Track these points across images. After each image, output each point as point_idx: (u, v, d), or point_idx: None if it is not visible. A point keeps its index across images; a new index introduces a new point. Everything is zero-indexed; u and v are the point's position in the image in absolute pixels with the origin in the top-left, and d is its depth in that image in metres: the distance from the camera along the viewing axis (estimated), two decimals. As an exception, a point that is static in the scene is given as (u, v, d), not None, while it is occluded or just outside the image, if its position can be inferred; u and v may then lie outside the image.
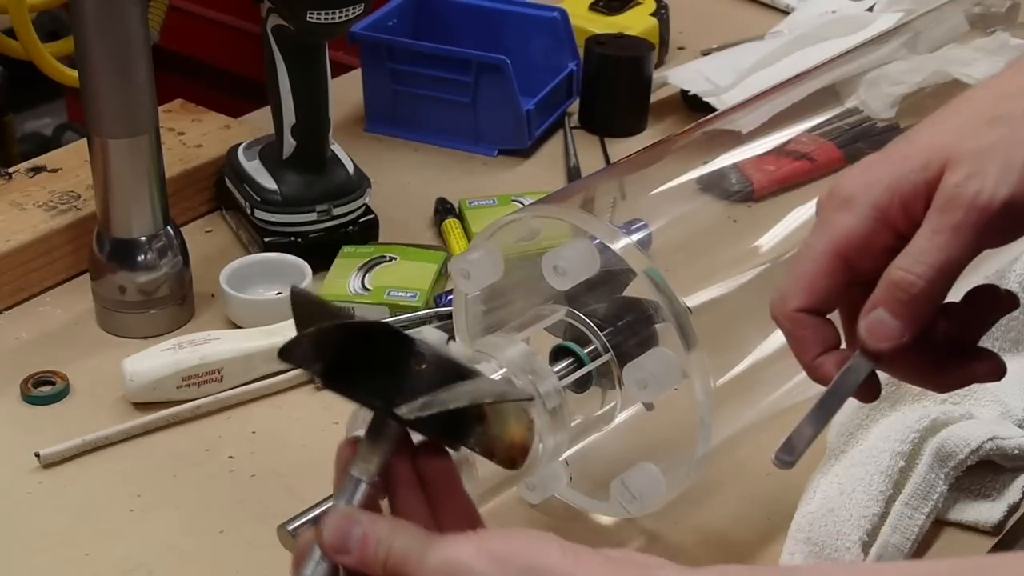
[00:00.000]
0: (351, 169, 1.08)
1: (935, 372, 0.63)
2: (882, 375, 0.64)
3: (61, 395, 0.93)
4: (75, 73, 0.99)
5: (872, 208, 0.58)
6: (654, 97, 1.32)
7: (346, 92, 1.29)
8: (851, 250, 0.59)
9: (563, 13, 1.31)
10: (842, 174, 0.60)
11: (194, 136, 1.16)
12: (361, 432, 0.61)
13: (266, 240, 1.06)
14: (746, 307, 0.81)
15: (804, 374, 0.67)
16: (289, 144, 1.05)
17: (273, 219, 1.05)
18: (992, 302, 0.63)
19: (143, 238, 0.98)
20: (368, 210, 1.09)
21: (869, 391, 0.62)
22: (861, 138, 0.99)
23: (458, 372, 0.59)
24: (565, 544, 0.53)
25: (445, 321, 0.97)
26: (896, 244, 0.58)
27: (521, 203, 1.12)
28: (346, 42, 1.26)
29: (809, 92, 0.99)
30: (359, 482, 0.59)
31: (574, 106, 1.32)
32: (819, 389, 0.68)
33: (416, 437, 0.61)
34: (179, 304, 1.00)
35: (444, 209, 1.14)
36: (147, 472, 0.87)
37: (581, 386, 0.79)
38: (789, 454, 0.61)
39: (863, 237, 0.58)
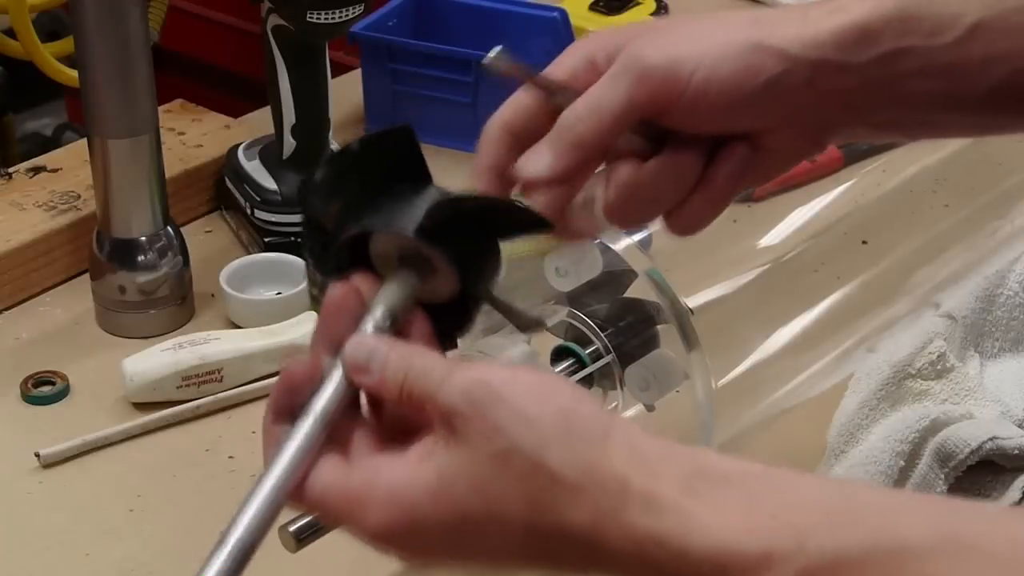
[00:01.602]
0: (351, 169, 1.08)
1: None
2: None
3: (61, 395, 0.93)
4: (75, 73, 0.99)
5: (585, 50, 0.62)
6: (654, 97, 1.32)
7: (346, 92, 1.29)
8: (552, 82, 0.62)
9: (563, 13, 1.31)
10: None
11: (194, 136, 1.16)
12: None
13: (266, 240, 1.06)
14: (747, 308, 0.81)
15: (805, 374, 0.67)
16: (289, 144, 1.05)
17: (273, 219, 1.05)
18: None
19: (143, 238, 0.98)
20: (368, 210, 1.09)
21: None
22: (861, 138, 0.99)
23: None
24: (606, 411, 0.52)
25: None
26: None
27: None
28: (346, 42, 1.26)
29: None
30: (380, 317, 0.56)
31: (574, 106, 1.31)
32: (820, 389, 0.68)
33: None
34: (179, 304, 1.00)
35: (444, 209, 1.14)
36: (147, 472, 0.87)
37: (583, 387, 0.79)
38: None
39: (573, 71, 0.62)
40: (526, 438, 0.50)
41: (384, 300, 0.57)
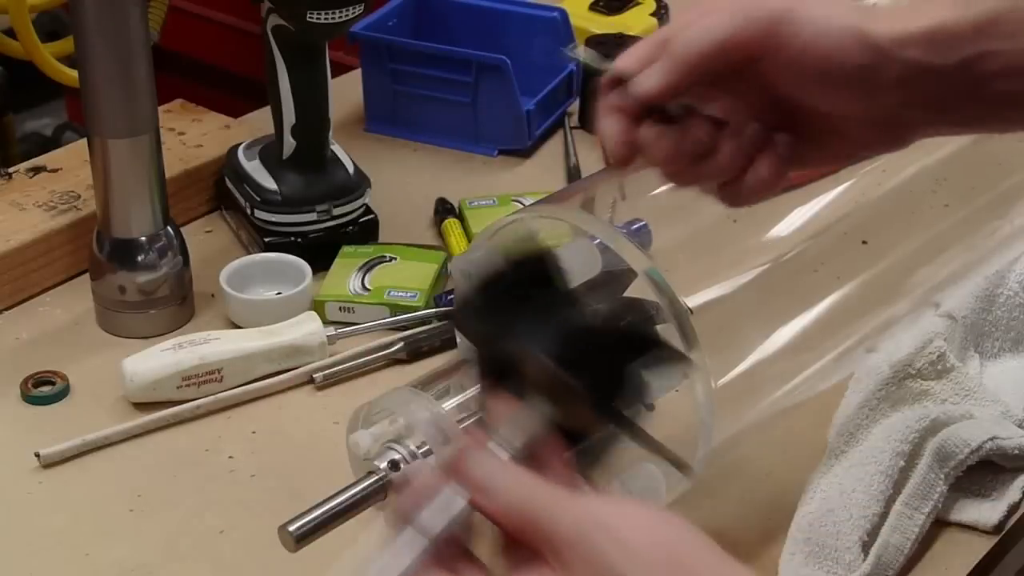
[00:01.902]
0: (351, 169, 1.08)
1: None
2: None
3: (61, 395, 0.93)
4: (75, 73, 0.99)
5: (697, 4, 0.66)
6: (654, 97, 1.32)
7: (346, 92, 1.29)
8: (671, 30, 0.66)
9: (563, 13, 1.31)
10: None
11: (194, 136, 1.16)
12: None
13: (266, 240, 1.06)
14: (747, 307, 0.81)
15: (805, 375, 0.67)
16: (289, 144, 1.05)
17: (273, 219, 1.05)
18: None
19: (143, 238, 0.98)
20: (368, 210, 1.09)
21: None
22: (861, 138, 0.99)
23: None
24: (715, 547, 0.52)
25: (445, 321, 0.97)
26: None
27: (521, 203, 1.12)
28: (346, 42, 1.26)
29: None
30: (509, 438, 0.56)
31: (574, 106, 1.31)
32: (820, 389, 0.68)
33: None
34: (179, 304, 1.00)
35: (444, 209, 1.14)
36: (147, 472, 0.87)
37: (582, 386, 0.78)
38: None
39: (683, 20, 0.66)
40: (633, 573, 0.50)
41: (517, 422, 0.57)
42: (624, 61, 0.67)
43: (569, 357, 0.56)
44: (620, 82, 0.66)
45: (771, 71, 0.64)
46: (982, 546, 0.82)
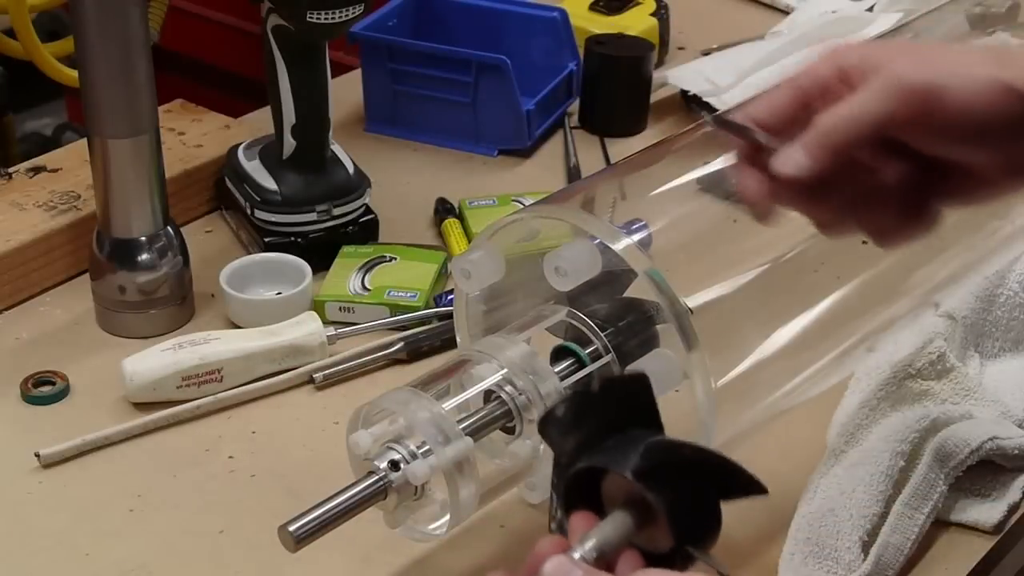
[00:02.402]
0: (351, 169, 1.08)
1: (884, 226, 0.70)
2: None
3: (61, 395, 0.93)
4: (75, 73, 0.99)
5: (841, 62, 0.67)
6: (654, 97, 1.32)
7: (346, 92, 1.29)
8: (812, 88, 0.67)
9: (563, 13, 1.31)
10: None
11: (194, 136, 1.16)
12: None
13: (266, 240, 1.06)
14: (747, 308, 0.81)
15: (805, 375, 0.67)
16: (289, 144, 1.05)
17: (273, 219, 1.05)
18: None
19: (143, 238, 0.98)
20: (368, 210, 1.09)
21: None
22: (861, 138, 0.99)
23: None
24: None
25: (445, 321, 0.97)
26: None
27: (521, 203, 1.12)
28: (346, 42, 1.26)
29: (809, 92, 0.99)
30: (587, 548, 0.58)
31: (574, 106, 1.32)
32: (820, 389, 0.68)
33: None
34: (179, 304, 1.00)
35: (444, 209, 1.14)
36: (147, 472, 0.87)
37: (582, 387, 0.79)
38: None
39: (824, 81, 0.67)
40: None
41: (596, 535, 0.59)
42: (766, 107, 0.67)
43: (654, 481, 0.58)
44: (759, 144, 0.67)
45: (920, 135, 0.65)
46: (982, 546, 0.82)
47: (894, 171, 0.67)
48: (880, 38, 0.69)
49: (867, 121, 0.64)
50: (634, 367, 0.74)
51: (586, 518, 0.60)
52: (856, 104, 0.65)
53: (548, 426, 0.61)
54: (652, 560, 0.59)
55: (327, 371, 0.95)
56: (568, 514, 0.61)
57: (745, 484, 0.60)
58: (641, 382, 0.61)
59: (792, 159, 0.65)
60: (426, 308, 1.00)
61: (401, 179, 1.20)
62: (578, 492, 0.61)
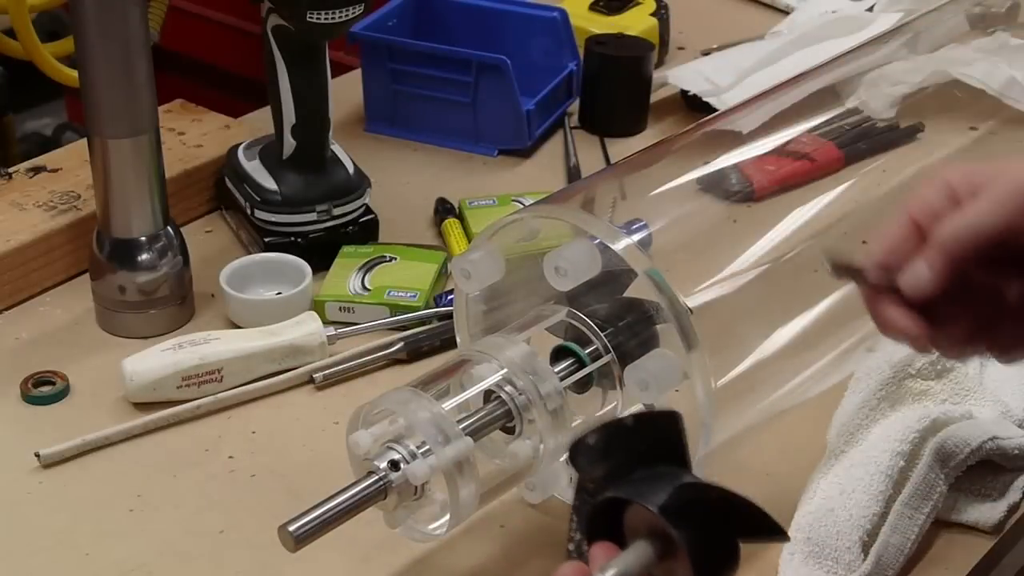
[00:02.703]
0: (351, 169, 1.08)
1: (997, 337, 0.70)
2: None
3: (61, 395, 0.93)
4: (75, 73, 0.99)
5: (945, 183, 0.67)
6: (654, 97, 1.32)
7: (346, 92, 1.29)
8: (921, 214, 0.67)
9: (563, 13, 1.31)
10: None
11: (194, 136, 1.16)
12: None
13: (266, 240, 1.06)
14: (747, 307, 0.81)
15: (805, 375, 0.67)
16: (289, 144, 1.05)
17: (273, 219, 1.05)
18: None
19: (143, 238, 0.98)
20: (368, 210, 1.09)
21: None
22: (861, 138, 0.99)
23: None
24: None
25: (445, 321, 0.97)
26: None
27: (521, 203, 1.12)
28: (346, 42, 1.26)
29: (809, 92, 0.99)
30: None
31: (574, 106, 1.32)
32: (820, 389, 0.68)
33: None
34: (179, 304, 1.00)
35: (444, 209, 1.14)
36: (147, 472, 0.87)
37: (582, 387, 0.79)
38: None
39: (931, 205, 0.67)
40: None
41: (617, 565, 0.60)
42: (884, 246, 0.68)
43: (679, 518, 0.59)
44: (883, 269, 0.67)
45: None
46: (982, 546, 0.82)
47: (1018, 288, 0.67)
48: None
49: (985, 230, 0.65)
50: (634, 367, 0.74)
51: (606, 549, 0.61)
52: (972, 213, 0.65)
53: (578, 454, 0.62)
54: None
55: (327, 371, 0.95)
56: (590, 541, 0.62)
57: (768, 528, 0.60)
58: (674, 420, 0.62)
59: (915, 274, 0.66)
60: (426, 308, 1.00)
61: (401, 179, 1.20)
62: (601, 519, 0.62)
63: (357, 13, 1.00)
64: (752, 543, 0.61)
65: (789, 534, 0.78)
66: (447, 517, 0.73)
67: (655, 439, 0.62)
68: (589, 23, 1.38)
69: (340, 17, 0.98)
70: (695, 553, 0.59)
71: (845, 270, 0.69)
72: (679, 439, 0.62)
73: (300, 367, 0.95)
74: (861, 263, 0.69)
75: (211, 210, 1.14)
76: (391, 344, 0.97)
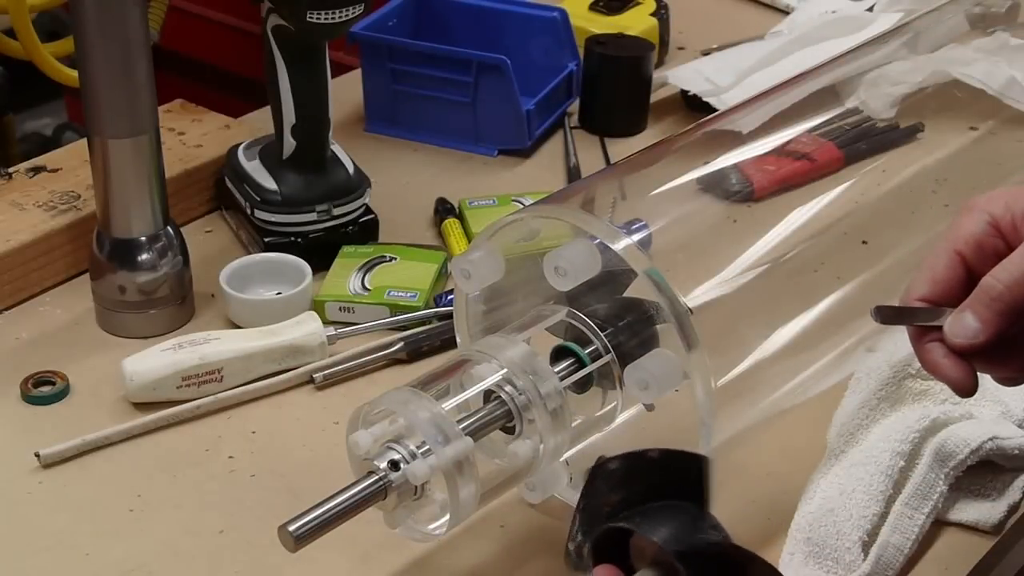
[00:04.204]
0: (351, 169, 1.08)
1: None
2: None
3: (61, 395, 0.93)
4: (75, 73, 0.99)
5: (988, 215, 0.67)
6: (654, 97, 1.32)
7: (346, 92, 1.29)
8: (966, 248, 0.67)
9: (563, 13, 1.31)
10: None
11: (194, 136, 1.16)
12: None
13: (266, 240, 1.06)
14: (747, 307, 0.81)
15: (805, 375, 0.67)
16: (289, 144, 1.05)
17: (273, 219, 1.05)
18: None
19: (143, 238, 0.98)
20: (368, 210, 1.09)
21: None
22: (861, 138, 0.99)
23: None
24: None
25: (445, 321, 0.97)
26: (1007, 253, 0.66)
27: (521, 203, 1.12)
28: (346, 42, 1.26)
29: (809, 92, 0.99)
30: None
31: (574, 106, 1.32)
32: (820, 389, 0.67)
33: None
34: (179, 304, 1.00)
35: (444, 209, 1.14)
36: (147, 472, 0.87)
37: (582, 387, 0.79)
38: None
39: (977, 238, 0.67)
40: None
41: None
42: (929, 282, 0.67)
43: (686, 558, 0.59)
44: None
45: None
46: (982, 546, 0.82)
47: None
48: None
49: None
50: (634, 367, 0.74)
51: (609, 572, 0.61)
52: (1019, 260, 0.64)
53: (597, 477, 0.62)
54: None
55: (327, 371, 0.95)
56: (596, 562, 0.62)
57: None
58: (701, 464, 0.62)
59: (965, 328, 0.65)
60: (426, 308, 1.00)
61: (401, 179, 1.21)
62: (607, 541, 0.63)
63: (357, 13, 1.00)
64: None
65: (789, 533, 0.79)
66: (447, 517, 0.73)
67: (678, 477, 0.62)
68: (589, 23, 1.38)
69: (340, 17, 0.98)
70: (667, 541, 0.59)
71: (891, 315, 0.68)
72: (701, 482, 0.62)
73: (300, 367, 0.95)
74: (907, 302, 0.68)
75: (211, 210, 1.14)
76: (391, 344, 0.97)
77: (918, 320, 0.67)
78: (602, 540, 0.63)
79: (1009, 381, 0.70)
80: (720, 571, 0.60)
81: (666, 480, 0.62)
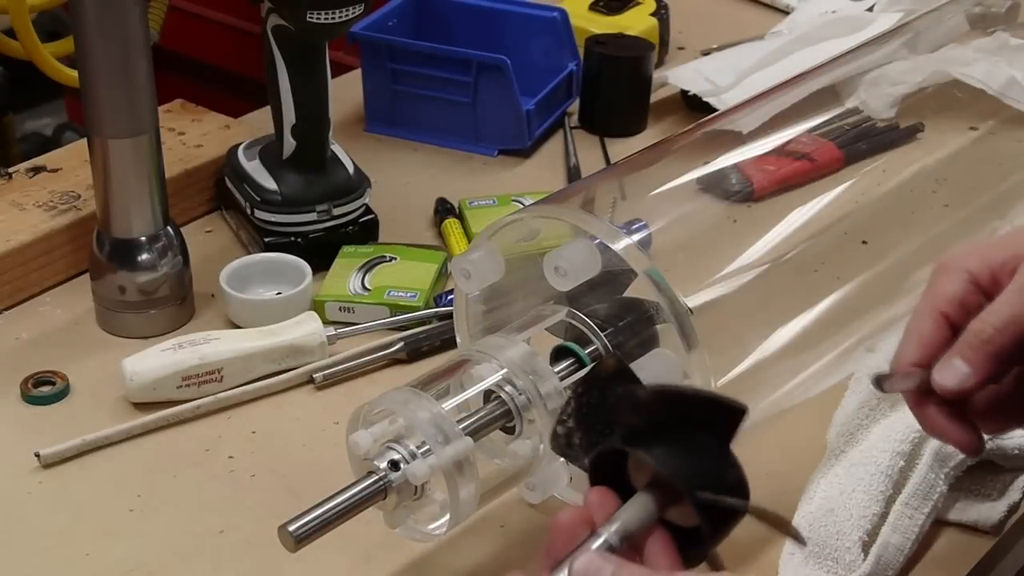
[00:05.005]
0: (351, 169, 1.08)
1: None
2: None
3: (61, 395, 0.93)
4: (75, 73, 0.99)
5: (966, 272, 0.67)
6: (654, 97, 1.32)
7: (346, 92, 1.29)
8: (950, 308, 0.66)
9: (563, 13, 1.31)
10: (950, 249, 0.69)
11: (194, 136, 1.16)
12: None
13: (266, 240, 1.06)
14: (747, 307, 0.81)
15: (805, 375, 0.67)
16: (289, 144, 1.05)
17: (273, 219, 1.05)
18: None
19: (143, 238, 0.98)
20: (368, 210, 1.09)
21: None
22: (861, 138, 0.99)
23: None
24: None
25: (445, 321, 0.97)
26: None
27: (521, 203, 1.12)
28: (346, 42, 1.26)
29: (809, 92, 0.99)
30: (612, 532, 0.59)
31: (574, 106, 1.32)
32: (820, 389, 0.67)
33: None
34: (179, 304, 1.00)
35: (444, 209, 1.14)
36: (147, 472, 0.87)
37: (582, 386, 0.78)
38: None
39: (959, 297, 0.66)
40: None
41: (620, 518, 0.59)
42: (917, 345, 0.66)
43: (644, 441, 0.59)
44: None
45: None
46: (982, 546, 0.82)
47: None
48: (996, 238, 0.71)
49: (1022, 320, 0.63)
50: (634, 367, 0.74)
51: (603, 494, 0.60)
52: (1010, 307, 0.64)
53: (628, 396, 0.61)
54: (686, 536, 0.60)
55: (327, 371, 0.95)
56: (593, 484, 0.62)
57: (729, 413, 0.60)
58: (735, 412, 0.61)
59: (954, 372, 0.64)
60: (426, 308, 1.00)
61: (401, 179, 1.21)
62: (606, 466, 0.62)
63: (357, 13, 1.00)
64: (730, 438, 0.61)
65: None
66: (447, 517, 0.73)
67: (706, 420, 0.61)
68: (589, 23, 1.38)
69: (340, 17, 0.99)
70: (674, 470, 0.59)
71: (892, 382, 0.67)
72: (730, 429, 0.61)
73: (300, 367, 0.95)
74: (901, 368, 0.67)
75: (211, 210, 1.14)
76: (391, 344, 0.97)
77: (919, 384, 0.66)
78: (599, 465, 0.62)
79: (997, 430, 0.70)
80: (681, 436, 0.59)
81: (696, 417, 0.60)
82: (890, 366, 0.68)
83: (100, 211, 0.98)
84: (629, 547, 0.59)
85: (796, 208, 0.88)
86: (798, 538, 0.62)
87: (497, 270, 0.80)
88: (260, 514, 0.83)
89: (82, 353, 0.97)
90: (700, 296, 0.76)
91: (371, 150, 1.23)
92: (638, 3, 1.42)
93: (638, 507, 0.60)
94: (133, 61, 0.92)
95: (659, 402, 0.61)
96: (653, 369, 0.73)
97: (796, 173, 0.92)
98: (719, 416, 0.60)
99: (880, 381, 0.68)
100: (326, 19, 0.98)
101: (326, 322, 0.98)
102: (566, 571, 0.58)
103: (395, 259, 1.05)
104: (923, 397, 0.67)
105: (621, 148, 1.26)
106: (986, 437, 0.68)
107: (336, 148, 1.08)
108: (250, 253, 1.07)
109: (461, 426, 0.73)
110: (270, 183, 1.06)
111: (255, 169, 1.07)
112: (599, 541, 0.59)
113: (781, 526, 0.60)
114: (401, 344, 0.97)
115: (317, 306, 1.00)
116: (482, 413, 0.75)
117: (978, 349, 0.64)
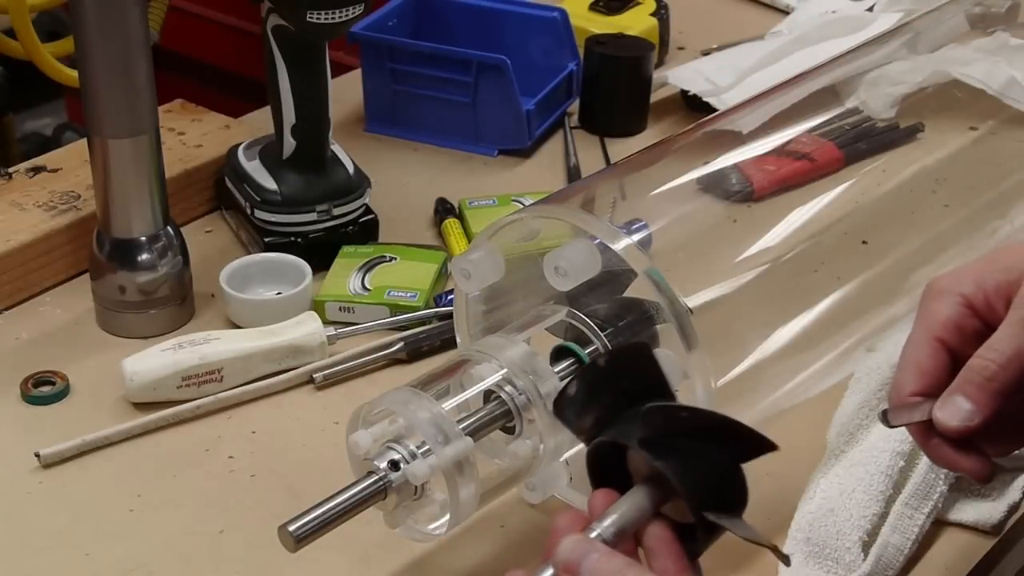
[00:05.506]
0: (351, 169, 1.08)
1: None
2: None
3: (61, 395, 0.93)
4: (75, 73, 0.99)
5: (960, 296, 0.66)
6: (654, 97, 1.32)
7: (346, 92, 1.29)
8: (946, 334, 0.66)
9: (563, 13, 1.31)
10: (941, 273, 0.68)
11: (194, 136, 1.16)
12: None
13: (266, 240, 1.06)
14: (747, 307, 0.81)
15: (805, 375, 0.67)
16: (289, 144, 1.05)
17: (273, 219, 1.05)
18: None
19: (143, 238, 0.98)
20: (368, 210, 1.09)
21: None
22: (861, 138, 0.99)
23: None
24: None
25: (445, 321, 0.97)
26: (986, 331, 0.65)
27: (521, 203, 1.12)
28: (346, 42, 1.26)
29: (809, 92, 0.99)
30: (606, 525, 0.59)
31: (574, 106, 1.32)
32: (820, 389, 0.67)
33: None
34: (179, 304, 1.00)
35: (444, 209, 1.14)
36: (147, 472, 0.87)
37: (582, 386, 0.78)
38: None
39: (954, 322, 0.66)
40: None
41: (615, 512, 0.59)
42: (918, 375, 0.65)
43: (659, 448, 0.59)
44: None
45: None
46: (982, 546, 0.82)
47: None
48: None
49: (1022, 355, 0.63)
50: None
51: (605, 495, 0.60)
52: (1010, 340, 0.63)
53: (563, 407, 0.61)
54: (683, 531, 0.60)
55: (327, 371, 0.95)
56: (595, 487, 0.62)
57: (755, 443, 0.59)
58: (642, 350, 0.60)
59: (958, 411, 0.63)
60: (426, 308, 1.00)
61: (401, 179, 1.21)
62: (605, 469, 0.62)
63: (357, 13, 1.00)
64: (748, 461, 0.60)
65: (789, 533, 0.79)
66: (447, 517, 0.73)
67: (634, 375, 0.60)
68: (589, 23, 1.38)
69: (340, 17, 0.99)
70: (684, 480, 0.58)
71: (899, 415, 0.66)
72: (654, 369, 0.61)
73: (300, 367, 0.95)
74: (901, 398, 0.66)
75: (211, 210, 1.14)
76: (391, 344, 0.97)
77: (926, 416, 0.65)
78: (597, 466, 0.62)
79: (1004, 452, 0.70)
80: (700, 450, 0.59)
81: (628, 382, 0.60)
82: (888, 396, 0.68)
83: (100, 211, 0.98)
84: (625, 540, 0.59)
85: (796, 208, 0.88)
86: (784, 559, 0.61)
87: (497, 270, 0.80)
88: (260, 514, 0.83)
89: (82, 353, 0.97)
90: (700, 296, 0.76)
91: (371, 150, 1.23)
92: (638, 3, 1.42)
93: (632, 500, 0.60)
94: (133, 61, 0.92)
95: (590, 389, 0.61)
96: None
97: (796, 173, 0.92)
98: (742, 439, 0.60)
99: (886, 415, 0.67)
100: (326, 19, 0.98)
101: (326, 322, 0.98)
102: (550, 569, 0.58)
103: (395, 259, 1.05)
104: (928, 429, 0.65)
105: (621, 148, 1.26)
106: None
107: (336, 148, 1.08)
108: (250, 253, 1.07)
109: (461, 426, 0.73)
110: (270, 183, 1.06)
111: (255, 169, 1.07)
112: (592, 535, 0.59)
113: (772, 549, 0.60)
114: (401, 344, 0.97)
115: (317, 306, 1.00)
116: (482, 413, 0.75)
117: (982, 387, 0.63)
